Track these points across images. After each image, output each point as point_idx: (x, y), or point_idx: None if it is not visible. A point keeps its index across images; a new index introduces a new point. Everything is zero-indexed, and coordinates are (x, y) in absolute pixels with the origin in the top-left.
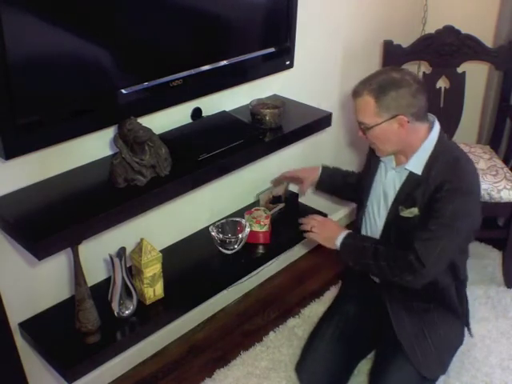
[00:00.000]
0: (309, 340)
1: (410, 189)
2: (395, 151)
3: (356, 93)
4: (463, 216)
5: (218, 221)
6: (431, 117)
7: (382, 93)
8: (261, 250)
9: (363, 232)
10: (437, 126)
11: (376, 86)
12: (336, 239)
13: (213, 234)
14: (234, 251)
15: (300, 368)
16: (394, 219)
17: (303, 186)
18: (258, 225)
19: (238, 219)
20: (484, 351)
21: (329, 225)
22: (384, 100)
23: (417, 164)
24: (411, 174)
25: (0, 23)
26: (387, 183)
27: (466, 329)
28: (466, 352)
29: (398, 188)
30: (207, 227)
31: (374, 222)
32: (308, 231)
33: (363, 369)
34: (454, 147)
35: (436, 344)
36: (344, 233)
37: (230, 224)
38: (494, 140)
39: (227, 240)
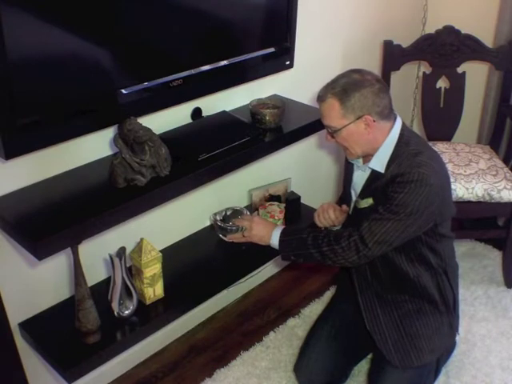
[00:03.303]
0: (306, 340)
1: (372, 185)
2: (365, 152)
3: (320, 97)
4: (412, 205)
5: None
6: (395, 115)
7: (345, 94)
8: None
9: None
10: (398, 123)
11: (339, 89)
12: (270, 237)
13: (214, 221)
14: None
15: (297, 368)
16: (354, 213)
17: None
18: (273, 219)
19: (239, 208)
20: (484, 351)
21: (259, 223)
22: (348, 101)
23: (379, 162)
24: (373, 172)
25: (0, 23)
26: (356, 181)
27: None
28: (466, 352)
29: (361, 185)
30: (207, 227)
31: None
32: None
33: (363, 369)
34: (417, 143)
35: (411, 335)
36: (277, 230)
37: (231, 212)
38: (494, 140)
39: (228, 228)
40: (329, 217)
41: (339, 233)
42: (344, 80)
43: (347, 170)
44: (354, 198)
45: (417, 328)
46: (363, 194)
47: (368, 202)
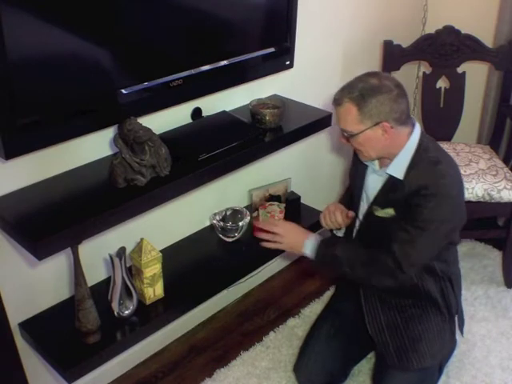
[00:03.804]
0: (305, 340)
1: (388, 191)
2: (380, 156)
3: (336, 101)
4: (439, 219)
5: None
6: (412, 119)
7: (363, 100)
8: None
9: (354, 232)
10: (417, 129)
11: (357, 94)
12: (303, 246)
13: (214, 221)
14: (234, 239)
15: (297, 368)
16: (369, 220)
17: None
18: (273, 219)
19: (239, 208)
20: (484, 351)
21: (292, 229)
22: (365, 107)
23: (398, 168)
24: (392, 177)
25: (0, 23)
26: (370, 185)
27: (462, 327)
28: (466, 352)
29: (377, 190)
30: (207, 227)
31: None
32: (268, 241)
33: (364, 369)
34: (435, 149)
35: (414, 339)
36: (311, 239)
37: (231, 212)
38: (494, 140)
39: (228, 228)
40: (335, 220)
41: (374, 256)
42: (361, 85)
43: (358, 172)
44: (364, 201)
45: (419, 332)
46: (380, 202)
47: (389, 212)
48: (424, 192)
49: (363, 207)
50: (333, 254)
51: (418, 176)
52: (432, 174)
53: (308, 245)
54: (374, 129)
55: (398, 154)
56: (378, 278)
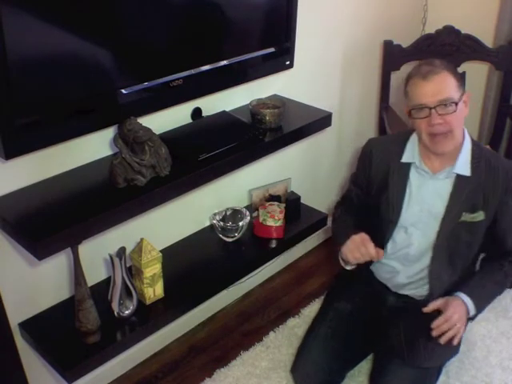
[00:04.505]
0: (303, 341)
1: (465, 194)
2: (457, 145)
3: (432, 72)
4: None
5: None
6: None
7: (454, 69)
8: (273, 244)
9: (398, 252)
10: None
11: (446, 64)
12: (468, 311)
13: (214, 221)
14: (234, 239)
15: (294, 369)
16: (452, 229)
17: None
18: (273, 219)
19: (239, 208)
20: (484, 351)
21: (457, 308)
22: (457, 76)
23: (464, 165)
24: (459, 178)
25: (0, 23)
26: (428, 195)
27: None
28: (466, 352)
29: (446, 196)
30: (207, 227)
31: (415, 241)
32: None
33: (363, 369)
34: (479, 143)
35: (428, 336)
36: (468, 302)
37: (231, 212)
38: (494, 140)
39: (228, 228)
40: (367, 252)
41: (510, 263)
42: (438, 60)
43: (398, 186)
44: (424, 212)
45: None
46: (467, 208)
47: (478, 216)
48: None
49: (428, 220)
50: (484, 291)
51: (490, 171)
52: (502, 161)
53: (470, 308)
54: (462, 100)
55: (460, 151)
56: None
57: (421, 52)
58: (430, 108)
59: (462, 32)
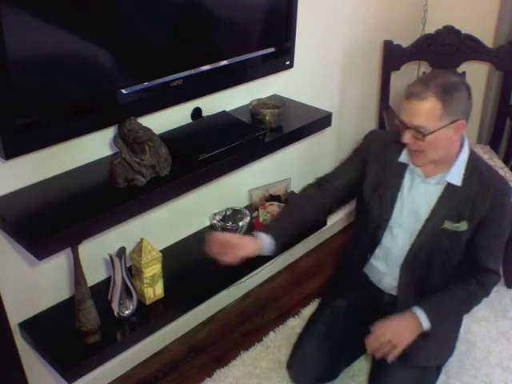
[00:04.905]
0: (299, 337)
1: (453, 202)
2: (438, 160)
3: (417, 95)
4: (510, 220)
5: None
6: None
7: (449, 95)
8: None
9: (383, 252)
10: (465, 135)
11: (441, 89)
12: (419, 326)
13: (214, 221)
14: None
15: (290, 365)
16: (432, 234)
17: (234, 255)
18: (273, 219)
19: (239, 208)
20: (484, 351)
21: (400, 322)
22: (450, 103)
23: (457, 175)
24: (449, 186)
25: (0, 23)
26: (416, 197)
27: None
28: (466, 352)
29: (433, 201)
30: (207, 227)
31: (399, 242)
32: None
33: (363, 369)
34: (481, 158)
35: (425, 336)
36: (422, 316)
37: (231, 212)
38: (494, 140)
39: (228, 228)
40: (227, 254)
41: (479, 283)
42: (441, 79)
43: (391, 184)
44: (411, 215)
45: (432, 331)
46: (450, 217)
47: (461, 226)
48: (501, 201)
49: (412, 223)
50: (444, 308)
51: (481, 184)
52: (497, 178)
53: (423, 320)
54: (449, 127)
55: (455, 160)
56: (487, 295)
57: (421, 52)
58: (405, 126)
59: (462, 32)
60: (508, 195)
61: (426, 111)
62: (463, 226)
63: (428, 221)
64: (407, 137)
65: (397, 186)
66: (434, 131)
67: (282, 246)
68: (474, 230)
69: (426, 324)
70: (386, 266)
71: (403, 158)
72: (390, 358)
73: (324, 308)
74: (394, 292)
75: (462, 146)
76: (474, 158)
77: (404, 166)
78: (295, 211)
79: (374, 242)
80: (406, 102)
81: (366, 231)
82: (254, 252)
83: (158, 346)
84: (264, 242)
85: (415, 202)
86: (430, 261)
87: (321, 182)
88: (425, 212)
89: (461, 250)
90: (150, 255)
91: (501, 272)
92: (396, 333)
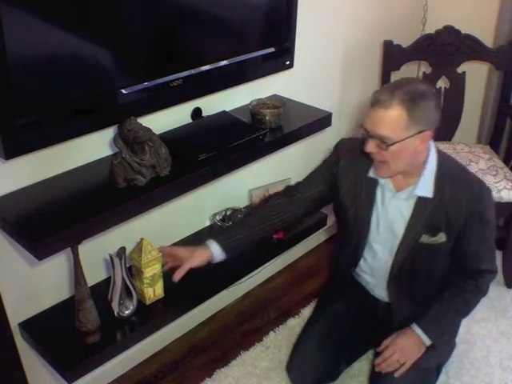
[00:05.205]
0: (298, 339)
1: (426, 215)
2: (403, 171)
3: (382, 102)
4: (494, 220)
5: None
6: None
7: (415, 105)
8: (273, 244)
9: (368, 266)
10: (432, 142)
11: (408, 97)
12: (423, 343)
13: (214, 221)
14: None
15: (289, 367)
16: (410, 250)
17: (181, 268)
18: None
19: (239, 208)
20: (484, 351)
21: (403, 345)
22: (416, 112)
23: (426, 187)
24: (420, 199)
25: (0, 23)
26: (390, 213)
27: None
28: (466, 352)
29: (407, 216)
30: (207, 227)
31: (380, 257)
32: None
33: (364, 369)
34: (452, 160)
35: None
36: (421, 334)
37: (231, 213)
38: (494, 140)
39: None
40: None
41: (474, 287)
42: (408, 87)
43: (363, 199)
44: (387, 231)
45: None
46: (427, 230)
47: (439, 239)
48: (480, 208)
49: (388, 239)
50: (442, 320)
51: (454, 191)
52: (469, 187)
53: (424, 338)
54: (415, 137)
55: (422, 171)
56: (484, 295)
57: (421, 52)
58: (369, 135)
59: (462, 32)
60: (485, 199)
61: (390, 120)
62: (441, 238)
63: (405, 237)
64: (371, 146)
65: (369, 203)
66: (398, 141)
67: (236, 256)
68: (457, 240)
69: (427, 341)
70: (373, 279)
71: (372, 172)
72: (398, 373)
73: (323, 309)
74: (388, 300)
75: (428, 154)
76: (443, 164)
77: (375, 181)
78: (255, 224)
79: (355, 256)
80: (371, 110)
81: (349, 243)
82: (203, 262)
83: (158, 346)
84: (215, 253)
85: (389, 218)
86: (415, 273)
87: (292, 192)
88: (400, 228)
89: (445, 257)
90: (150, 255)
91: (497, 266)
92: (404, 352)
